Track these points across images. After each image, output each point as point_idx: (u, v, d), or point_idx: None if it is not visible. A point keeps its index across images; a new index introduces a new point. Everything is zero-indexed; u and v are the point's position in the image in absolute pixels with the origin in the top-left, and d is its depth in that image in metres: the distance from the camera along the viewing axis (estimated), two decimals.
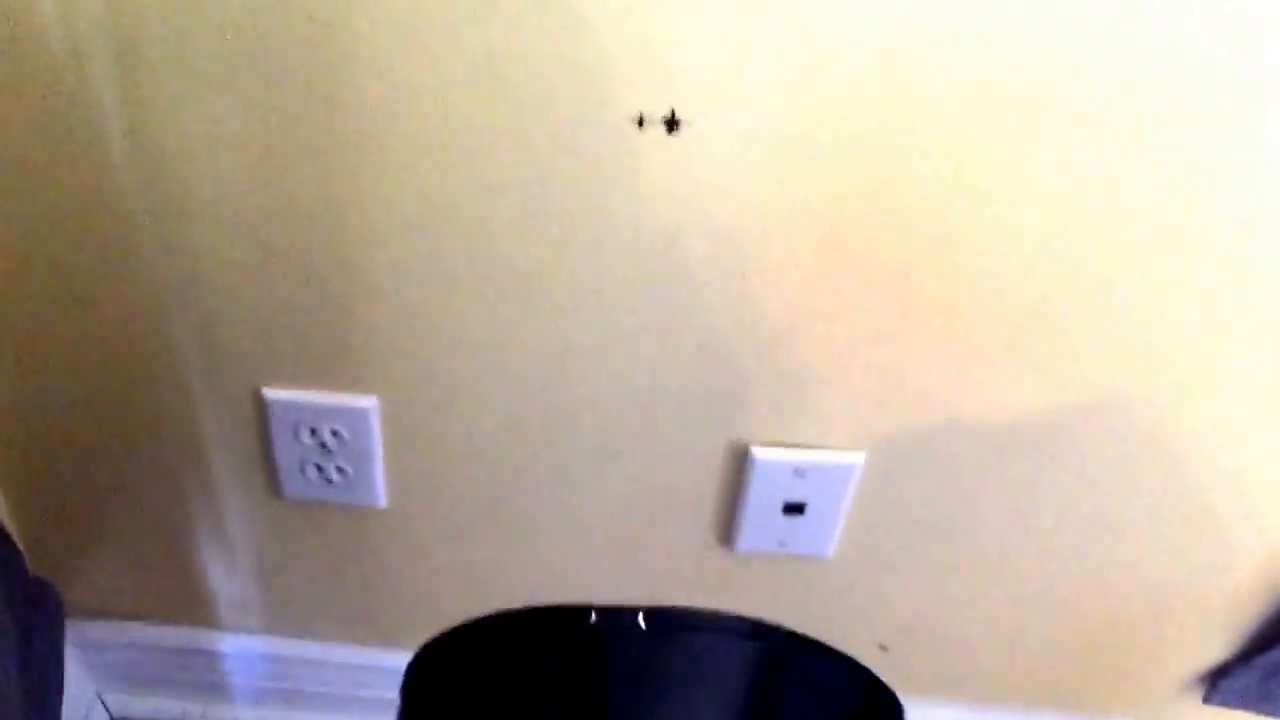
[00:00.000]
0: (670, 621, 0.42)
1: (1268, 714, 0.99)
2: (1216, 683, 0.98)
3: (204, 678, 1.07)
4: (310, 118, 0.65)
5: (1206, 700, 1.00)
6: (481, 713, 0.49)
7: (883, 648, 0.99)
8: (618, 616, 0.47)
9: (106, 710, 1.10)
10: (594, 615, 0.47)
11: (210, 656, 1.04)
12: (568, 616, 0.48)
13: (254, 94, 0.64)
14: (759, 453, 0.81)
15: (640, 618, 0.46)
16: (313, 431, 0.82)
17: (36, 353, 0.80)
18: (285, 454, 0.84)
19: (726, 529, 0.89)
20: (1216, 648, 0.96)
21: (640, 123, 0.63)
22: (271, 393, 0.80)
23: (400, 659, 1.02)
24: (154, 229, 0.71)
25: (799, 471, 0.82)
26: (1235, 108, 0.62)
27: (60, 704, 0.96)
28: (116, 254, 0.73)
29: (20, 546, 0.92)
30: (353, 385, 0.80)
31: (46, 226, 0.71)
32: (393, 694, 1.04)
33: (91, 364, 0.80)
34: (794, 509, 0.85)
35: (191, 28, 0.61)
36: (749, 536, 0.88)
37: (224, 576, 0.97)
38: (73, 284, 0.75)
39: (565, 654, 0.49)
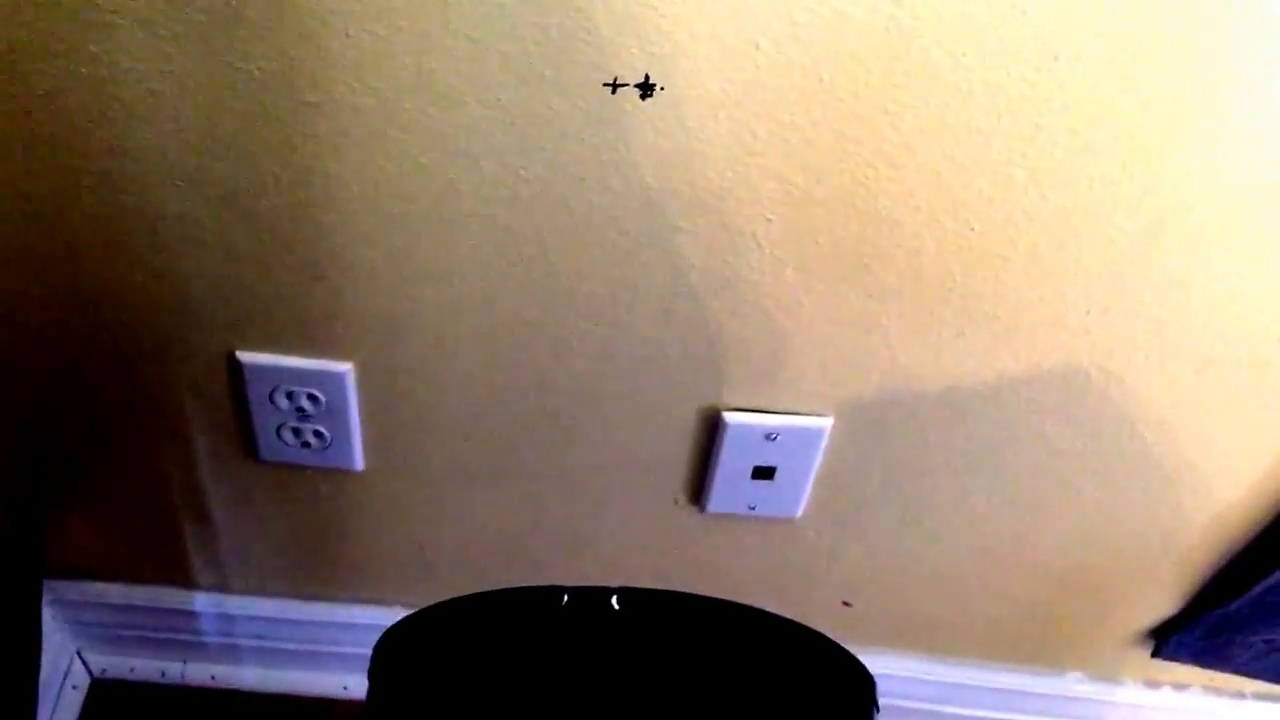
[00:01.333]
0: (644, 603, 0.42)
1: (1213, 668, 1.03)
2: (1165, 638, 1.01)
3: (183, 637, 1.08)
4: (271, 76, 0.64)
5: (1155, 655, 1.03)
6: (452, 695, 0.49)
7: (846, 604, 1.01)
8: (590, 598, 0.47)
9: (86, 669, 1.11)
10: (566, 597, 0.47)
11: (189, 616, 1.05)
12: (538, 598, 0.48)
13: (209, 47, 0.63)
14: (730, 417, 0.83)
15: (614, 600, 0.47)
16: (289, 395, 0.83)
17: (5, 317, 0.79)
18: (261, 417, 0.85)
19: (697, 491, 0.90)
20: (1165, 605, 0.99)
21: (613, 87, 0.64)
22: (246, 356, 0.80)
23: (378, 615, 1.05)
24: (107, 186, 0.70)
25: (769, 436, 0.84)
26: (1194, 78, 0.63)
27: (38, 661, 0.97)
28: (75, 213, 0.72)
29: None
30: (329, 349, 0.80)
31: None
32: (370, 649, 1.06)
33: (62, 326, 0.80)
34: (764, 473, 0.87)
35: None
36: (719, 499, 0.90)
37: (202, 538, 0.98)
38: (35, 244, 0.74)
39: (536, 636, 0.48)
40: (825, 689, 0.42)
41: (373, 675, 0.52)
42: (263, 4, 0.61)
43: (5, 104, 0.66)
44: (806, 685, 0.41)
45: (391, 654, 0.51)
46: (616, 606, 0.46)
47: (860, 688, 0.44)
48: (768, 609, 0.48)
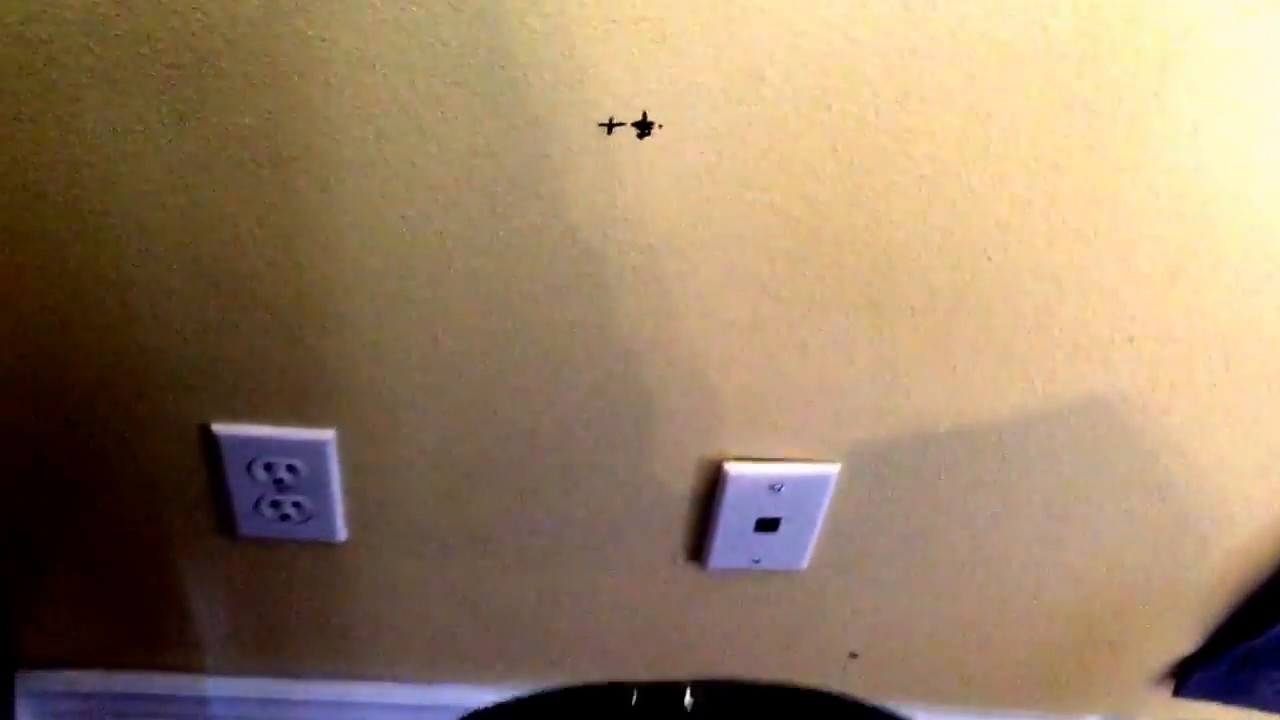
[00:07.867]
0: (718, 698, 0.39)
1: (1236, 704, 1.01)
2: (1187, 676, 0.99)
3: None
4: (247, 130, 0.61)
5: (1177, 693, 1.01)
6: None
7: (853, 655, 0.98)
8: (661, 695, 0.45)
9: None
10: (635, 695, 0.45)
11: (167, 700, 1.01)
12: (607, 696, 0.46)
13: (179, 101, 0.60)
14: (732, 468, 0.80)
15: (687, 696, 0.44)
16: (267, 467, 0.79)
17: None
18: (240, 491, 0.81)
19: (697, 548, 0.87)
20: (1186, 641, 0.97)
21: (609, 128, 0.61)
22: (222, 428, 0.77)
23: (369, 691, 1.00)
24: (74, 253, 0.67)
25: (774, 486, 0.81)
26: (1219, 99, 0.62)
27: None
28: (40, 282, 0.69)
29: None
30: (308, 418, 0.77)
31: None
32: None
33: (25, 402, 0.76)
34: (768, 525, 0.84)
35: (108, 30, 0.57)
36: (721, 554, 0.87)
37: (179, 619, 0.94)
38: None
39: None
40: None
41: None
42: (237, 55, 0.58)
43: None
44: None
45: None
46: (689, 705, 0.43)
47: None
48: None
